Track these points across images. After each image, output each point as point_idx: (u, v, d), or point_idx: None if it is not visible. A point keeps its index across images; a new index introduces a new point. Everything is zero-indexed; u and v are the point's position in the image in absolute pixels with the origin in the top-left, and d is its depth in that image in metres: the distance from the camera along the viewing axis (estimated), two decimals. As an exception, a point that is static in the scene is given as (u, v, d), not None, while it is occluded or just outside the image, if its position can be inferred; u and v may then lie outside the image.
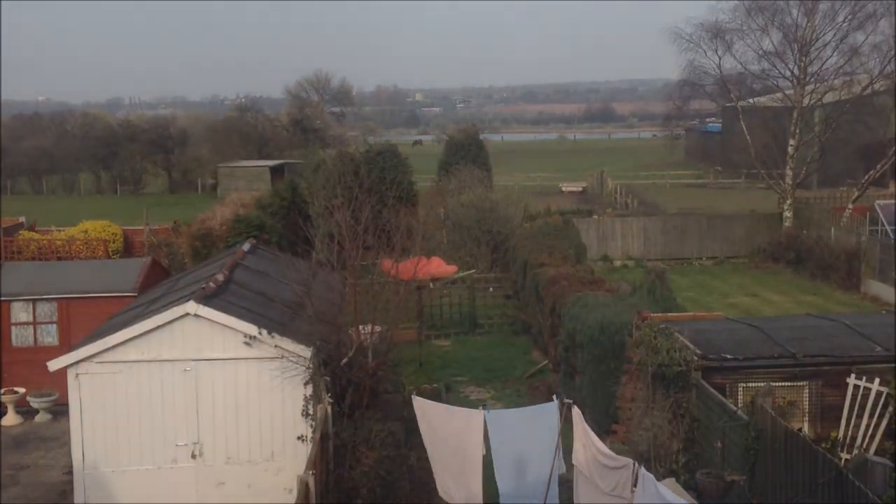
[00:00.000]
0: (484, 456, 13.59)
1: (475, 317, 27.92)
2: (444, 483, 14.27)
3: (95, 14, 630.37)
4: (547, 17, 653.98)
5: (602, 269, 35.16)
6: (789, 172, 40.38)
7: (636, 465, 11.15)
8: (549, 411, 13.35)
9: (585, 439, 12.50)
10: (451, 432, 13.94)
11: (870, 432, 14.71)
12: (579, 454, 12.67)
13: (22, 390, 20.44)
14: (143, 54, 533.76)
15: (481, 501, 13.72)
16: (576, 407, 12.89)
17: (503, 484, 13.52)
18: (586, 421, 12.80)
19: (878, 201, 39.04)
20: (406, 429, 16.53)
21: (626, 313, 17.90)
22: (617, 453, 16.44)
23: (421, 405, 14.46)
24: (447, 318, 27.95)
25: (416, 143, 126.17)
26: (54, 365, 14.88)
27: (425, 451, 14.63)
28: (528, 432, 13.43)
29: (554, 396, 13.87)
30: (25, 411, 20.58)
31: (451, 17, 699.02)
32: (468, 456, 13.71)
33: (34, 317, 21.07)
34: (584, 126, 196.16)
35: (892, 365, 14.89)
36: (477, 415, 13.68)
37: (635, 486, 10.97)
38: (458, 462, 13.87)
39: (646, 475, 10.86)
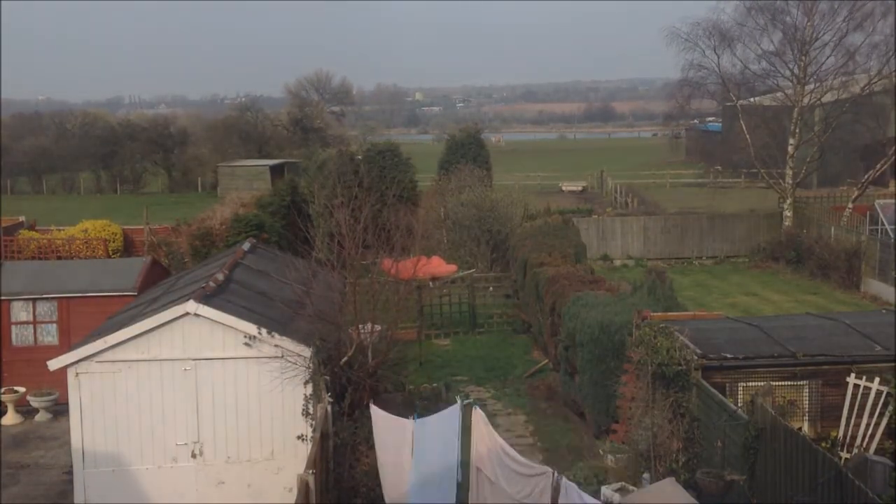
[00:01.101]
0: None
1: (475, 316, 27.93)
2: (387, 493, 14.24)
3: (95, 13, 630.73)
4: (547, 15, 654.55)
5: (602, 268, 35.18)
6: (789, 172, 40.38)
7: (556, 474, 10.90)
8: (453, 414, 13.21)
9: (491, 442, 12.25)
10: (388, 442, 13.95)
11: (870, 431, 14.70)
12: (482, 458, 12.43)
13: (22, 389, 20.45)
14: (143, 53, 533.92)
15: None
16: (477, 408, 12.71)
17: (414, 493, 13.48)
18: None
19: (878, 200, 39.06)
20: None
21: (626, 312, 17.90)
22: (617, 453, 16.51)
23: (375, 413, 14.40)
24: (447, 318, 27.96)
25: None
26: (54, 364, 14.89)
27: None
28: (438, 437, 13.30)
29: (457, 398, 13.71)
30: (25, 410, 20.60)
31: (451, 15, 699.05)
32: (400, 464, 13.70)
33: (34, 316, 21.09)
34: (584, 125, 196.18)
35: (893, 364, 14.88)
36: (409, 424, 13.64)
37: (556, 496, 10.63)
38: (395, 471, 13.84)
39: (569, 485, 10.57)
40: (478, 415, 12.59)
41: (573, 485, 10.63)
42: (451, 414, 13.32)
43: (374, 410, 14.46)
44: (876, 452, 14.00)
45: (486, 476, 12.35)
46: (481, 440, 12.53)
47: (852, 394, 14.85)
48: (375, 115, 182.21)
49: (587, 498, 10.35)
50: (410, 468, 13.48)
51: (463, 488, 13.15)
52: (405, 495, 13.60)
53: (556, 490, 10.74)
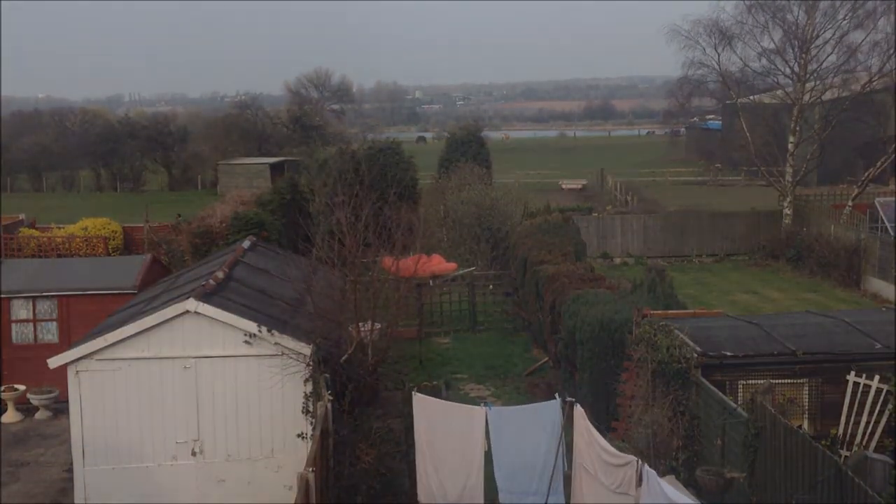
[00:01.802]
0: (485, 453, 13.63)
1: (475, 314, 27.94)
2: (433, 483, 14.18)
3: (95, 11, 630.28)
4: (547, 14, 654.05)
5: (602, 266, 35.18)
6: (789, 169, 40.38)
7: (640, 462, 11.16)
8: (552, 409, 13.38)
9: (588, 437, 12.51)
10: (452, 430, 13.93)
11: (869, 429, 14.71)
12: (582, 451, 12.68)
13: (22, 387, 20.45)
14: (143, 51, 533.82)
15: (482, 499, 13.72)
16: (578, 405, 12.90)
17: (503, 481, 13.53)
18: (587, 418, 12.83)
19: (878, 198, 39.07)
20: (406, 426, 16.52)
21: (626, 310, 17.91)
22: (619, 450, 16.51)
23: (421, 401, 14.45)
24: (447, 316, 27.97)
25: (419, 139, 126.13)
26: (54, 362, 14.88)
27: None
28: (530, 430, 13.46)
29: (556, 395, 13.86)
30: (25, 408, 20.61)
31: (451, 14, 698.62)
32: (468, 453, 13.71)
33: (34, 314, 21.10)
34: (584, 123, 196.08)
35: (893, 362, 14.88)
36: (479, 412, 13.68)
37: (640, 483, 11.01)
38: (456, 460, 13.86)
39: (650, 472, 10.90)
40: (579, 412, 12.75)
41: (653, 472, 10.92)
42: (547, 409, 13.48)
43: (419, 397, 14.47)
44: (876, 450, 14.01)
45: (585, 469, 12.55)
46: (580, 435, 12.71)
47: (852, 392, 14.86)
48: (375, 113, 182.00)
49: (665, 485, 10.64)
50: (480, 456, 13.55)
51: (567, 485, 13.32)
52: (478, 491, 13.68)
53: (639, 478, 11.04)
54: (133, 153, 77.97)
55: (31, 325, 21.08)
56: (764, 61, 41.39)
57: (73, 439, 14.99)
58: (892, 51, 37.81)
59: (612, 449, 12.07)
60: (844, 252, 33.70)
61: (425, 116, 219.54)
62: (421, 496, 14.42)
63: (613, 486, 11.67)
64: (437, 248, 31.82)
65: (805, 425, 14.88)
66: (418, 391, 14.88)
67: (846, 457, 14.10)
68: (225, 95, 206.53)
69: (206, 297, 15.02)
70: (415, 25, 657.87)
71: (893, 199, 38.48)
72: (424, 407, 14.40)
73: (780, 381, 14.94)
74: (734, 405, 13.97)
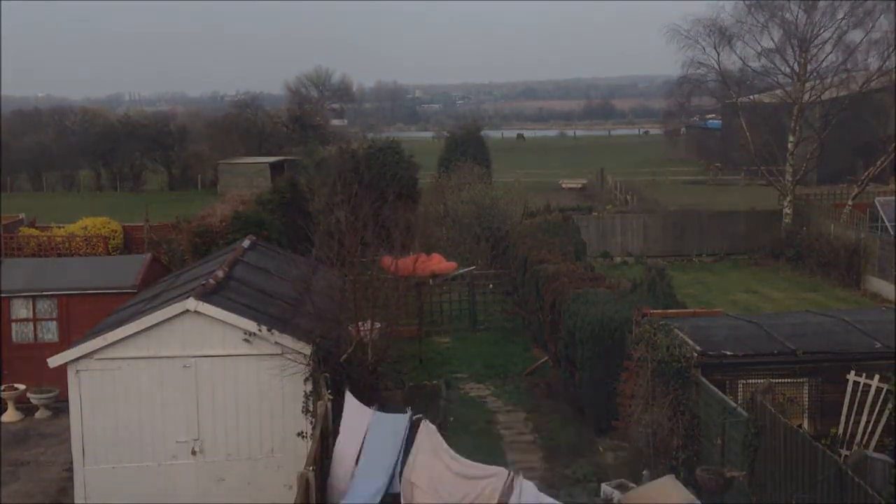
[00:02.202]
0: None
1: (475, 313, 27.94)
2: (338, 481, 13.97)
3: (95, 10, 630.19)
4: (547, 13, 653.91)
5: (602, 265, 35.17)
6: (789, 169, 40.37)
7: (511, 473, 10.74)
8: (399, 423, 13.05)
9: (433, 454, 12.04)
10: (356, 429, 13.73)
11: (869, 429, 14.71)
12: (422, 470, 12.19)
13: (22, 387, 20.46)
14: (143, 50, 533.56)
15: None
16: (427, 422, 12.47)
17: (358, 479, 13.20)
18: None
19: (878, 198, 39.05)
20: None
21: (626, 310, 17.92)
22: (617, 450, 16.52)
23: (349, 400, 14.12)
24: (447, 315, 27.97)
25: (519, 137, 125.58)
26: (54, 361, 14.89)
27: None
28: (385, 440, 13.14)
29: (407, 409, 13.54)
30: (25, 408, 20.62)
31: (451, 13, 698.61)
32: (353, 454, 13.50)
33: (34, 313, 21.10)
34: (584, 122, 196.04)
35: (892, 361, 14.89)
36: (368, 414, 13.48)
37: (507, 495, 10.43)
38: (348, 460, 13.63)
39: (526, 485, 10.33)
40: (428, 428, 12.35)
41: (531, 485, 10.38)
42: (395, 421, 13.13)
43: (349, 398, 14.18)
44: (876, 449, 14.02)
45: (420, 490, 12.08)
46: (423, 451, 12.29)
47: (852, 391, 14.86)
48: (375, 112, 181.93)
49: (545, 498, 10.12)
50: (359, 457, 13.28)
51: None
52: (347, 484, 13.36)
53: (508, 490, 10.50)
54: (133, 152, 77.90)
55: (31, 324, 21.08)
56: (763, 61, 41.41)
57: (73, 438, 15.00)
58: (891, 49, 37.81)
59: (471, 462, 11.59)
60: (844, 251, 33.69)
61: (425, 115, 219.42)
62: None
63: (466, 500, 11.12)
64: (436, 247, 31.82)
65: (805, 425, 14.88)
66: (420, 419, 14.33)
67: (846, 456, 14.10)
68: (225, 95, 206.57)
69: (206, 296, 15.02)
70: (415, 24, 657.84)
71: (893, 198, 38.46)
72: (349, 406, 13.97)
73: (780, 380, 14.95)
74: (734, 404, 13.98)
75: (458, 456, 11.88)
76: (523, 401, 21.10)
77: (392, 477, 12.72)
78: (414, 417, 12.97)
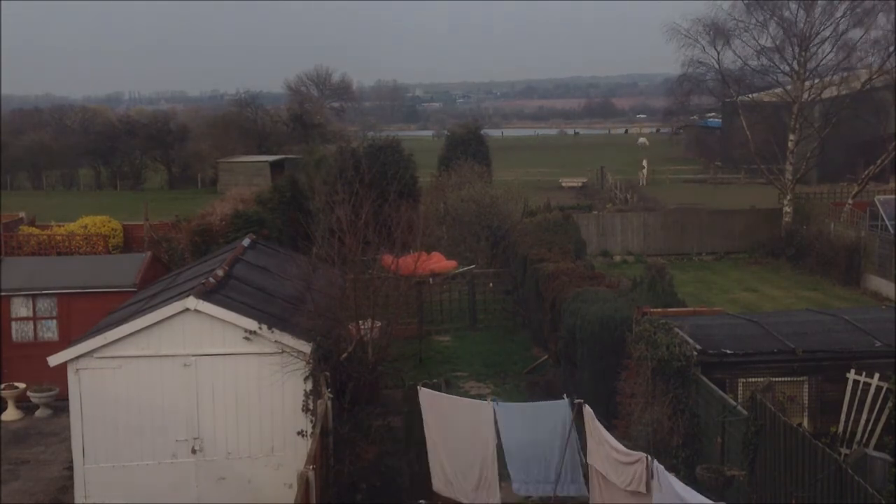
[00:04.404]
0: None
1: (475, 312, 27.93)
2: (446, 475, 14.25)
3: (95, 9, 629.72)
4: (547, 12, 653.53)
5: (602, 264, 35.18)
6: (789, 168, 40.38)
7: (649, 458, 11.15)
8: (560, 408, 13.39)
9: (598, 436, 12.50)
10: (461, 424, 13.96)
11: (869, 427, 14.72)
12: (593, 452, 12.66)
13: (22, 385, 20.45)
14: (143, 49, 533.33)
15: (497, 491, 13.73)
16: (587, 406, 12.89)
17: (517, 472, 13.61)
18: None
19: (878, 196, 39.00)
20: (407, 424, 16.54)
21: (626, 308, 17.91)
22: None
23: (427, 396, 14.43)
24: (447, 314, 27.95)
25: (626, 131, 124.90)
26: (54, 360, 14.88)
27: (424, 445, 14.61)
28: (540, 425, 13.48)
29: (564, 395, 13.88)
30: (25, 406, 20.61)
31: (451, 12, 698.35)
32: (479, 447, 13.73)
33: (34, 312, 21.09)
34: (584, 121, 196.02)
35: (892, 360, 14.89)
36: (487, 406, 13.71)
37: (651, 478, 11.00)
38: (468, 453, 13.87)
39: (659, 468, 10.91)
40: (588, 412, 12.75)
41: (662, 467, 10.93)
42: (555, 407, 13.54)
43: (425, 392, 14.49)
44: (876, 448, 14.02)
45: (597, 471, 12.55)
46: (590, 435, 12.72)
47: (852, 389, 14.87)
48: (375, 111, 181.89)
49: (674, 480, 10.64)
50: (492, 449, 13.63)
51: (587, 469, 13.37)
52: (494, 483, 13.76)
53: (650, 474, 11.04)
54: (133, 151, 77.95)
55: (31, 323, 21.08)
56: (763, 59, 41.43)
57: (73, 437, 14.99)
58: (891, 48, 37.82)
59: (622, 447, 12.05)
60: (844, 250, 33.69)
61: (425, 114, 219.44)
62: (436, 485, 14.41)
63: (624, 484, 11.67)
64: (437, 245, 31.82)
65: (805, 423, 14.88)
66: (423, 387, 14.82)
67: (846, 455, 14.11)
68: (225, 93, 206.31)
69: (206, 294, 15.02)
70: (415, 24, 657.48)
71: (893, 197, 38.42)
72: (432, 402, 14.38)
73: (779, 378, 14.95)
74: (734, 403, 13.98)
75: (613, 439, 12.24)
76: (523, 400, 21.07)
77: (567, 456, 13.16)
78: (576, 401, 13.21)
